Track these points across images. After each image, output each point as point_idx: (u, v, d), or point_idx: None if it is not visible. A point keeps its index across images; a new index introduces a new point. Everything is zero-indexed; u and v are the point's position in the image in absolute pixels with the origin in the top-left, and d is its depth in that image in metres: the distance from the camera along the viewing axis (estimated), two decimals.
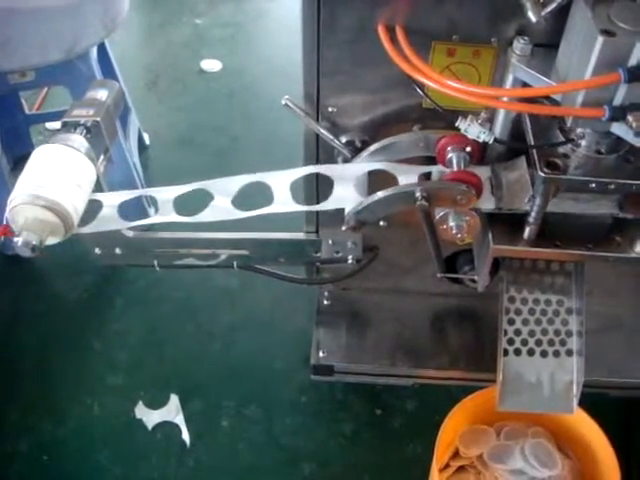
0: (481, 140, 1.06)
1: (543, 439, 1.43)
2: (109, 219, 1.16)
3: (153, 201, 2.03)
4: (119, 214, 1.16)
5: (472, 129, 1.05)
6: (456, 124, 1.06)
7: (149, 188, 1.20)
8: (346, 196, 1.16)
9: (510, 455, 1.40)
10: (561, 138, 1.07)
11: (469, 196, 1.08)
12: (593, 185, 1.03)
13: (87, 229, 1.15)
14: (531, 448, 1.40)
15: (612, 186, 1.03)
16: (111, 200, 1.17)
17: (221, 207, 1.16)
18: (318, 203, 1.19)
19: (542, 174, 1.02)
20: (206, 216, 1.16)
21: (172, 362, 1.74)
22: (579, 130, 1.06)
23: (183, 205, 1.19)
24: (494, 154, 1.17)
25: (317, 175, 1.24)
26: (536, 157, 1.04)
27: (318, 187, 1.31)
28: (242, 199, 1.18)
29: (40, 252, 1.01)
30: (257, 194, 1.16)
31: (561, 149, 1.06)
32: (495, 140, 1.06)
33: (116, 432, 1.60)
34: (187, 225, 1.17)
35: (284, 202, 1.16)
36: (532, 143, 1.06)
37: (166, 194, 1.18)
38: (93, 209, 1.15)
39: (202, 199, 1.17)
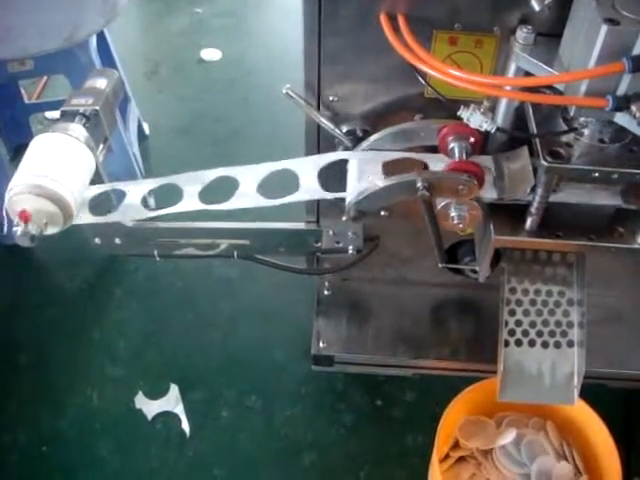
0: (483, 129, 1.05)
1: (540, 434, 1.44)
2: (133, 208, 1.15)
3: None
4: (142, 203, 1.15)
5: (474, 118, 1.04)
6: (458, 113, 1.05)
7: (174, 176, 1.17)
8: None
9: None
10: (564, 127, 1.07)
11: (471, 186, 1.07)
12: (596, 174, 1.02)
13: (109, 218, 1.14)
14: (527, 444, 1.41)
15: (615, 175, 1.02)
16: (135, 190, 1.16)
17: (247, 194, 1.14)
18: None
19: (545, 163, 1.02)
20: (233, 204, 1.14)
21: (172, 352, 1.73)
22: (582, 119, 1.05)
23: (207, 192, 1.16)
24: (496, 144, 1.16)
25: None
26: (539, 146, 1.04)
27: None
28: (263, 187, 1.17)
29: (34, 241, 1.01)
30: (279, 182, 1.16)
31: (564, 138, 1.06)
32: (498, 129, 1.06)
33: (115, 422, 1.60)
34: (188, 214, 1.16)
35: (312, 189, 1.14)
36: (535, 132, 1.06)
37: (192, 184, 1.16)
38: (117, 198, 1.15)
39: (226, 186, 1.15)
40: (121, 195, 1.16)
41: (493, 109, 1.10)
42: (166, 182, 1.17)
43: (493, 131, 1.05)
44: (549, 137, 1.05)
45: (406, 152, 1.17)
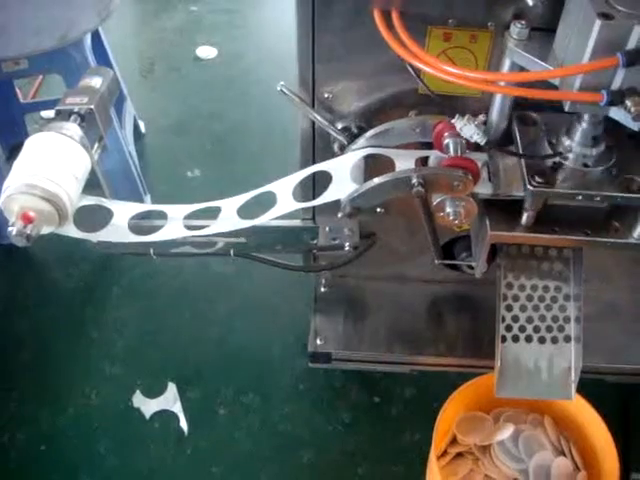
0: (473, 141, 1.08)
1: (537, 429, 1.44)
2: (120, 231, 1.15)
3: (150, 188, 2.03)
4: (129, 227, 1.16)
5: (467, 129, 1.07)
6: (453, 121, 1.07)
7: (160, 205, 1.20)
8: (344, 187, 1.15)
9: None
10: (549, 151, 1.10)
11: (466, 182, 1.07)
12: (580, 197, 1.06)
13: (95, 236, 1.14)
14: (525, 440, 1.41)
15: (597, 198, 1.06)
16: (123, 211, 1.16)
17: (228, 217, 1.17)
18: (315, 196, 1.19)
19: (530, 187, 1.05)
20: (214, 229, 1.17)
21: (169, 350, 1.73)
22: (567, 143, 1.09)
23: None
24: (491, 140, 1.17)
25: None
26: (525, 170, 1.07)
27: (315, 180, 1.30)
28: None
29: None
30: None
31: (549, 162, 1.09)
32: (487, 143, 1.08)
33: (114, 421, 1.60)
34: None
35: (287, 204, 1.16)
36: (521, 152, 1.10)
37: (176, 211, 1.18)
38: (104, 217, 1.14)
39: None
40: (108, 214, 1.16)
41: (486, 122, 1.13)
42: (154, 208, 1.20)
43: (483, 144, 1.08)
44: (535, 161, 1.08)
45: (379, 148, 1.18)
